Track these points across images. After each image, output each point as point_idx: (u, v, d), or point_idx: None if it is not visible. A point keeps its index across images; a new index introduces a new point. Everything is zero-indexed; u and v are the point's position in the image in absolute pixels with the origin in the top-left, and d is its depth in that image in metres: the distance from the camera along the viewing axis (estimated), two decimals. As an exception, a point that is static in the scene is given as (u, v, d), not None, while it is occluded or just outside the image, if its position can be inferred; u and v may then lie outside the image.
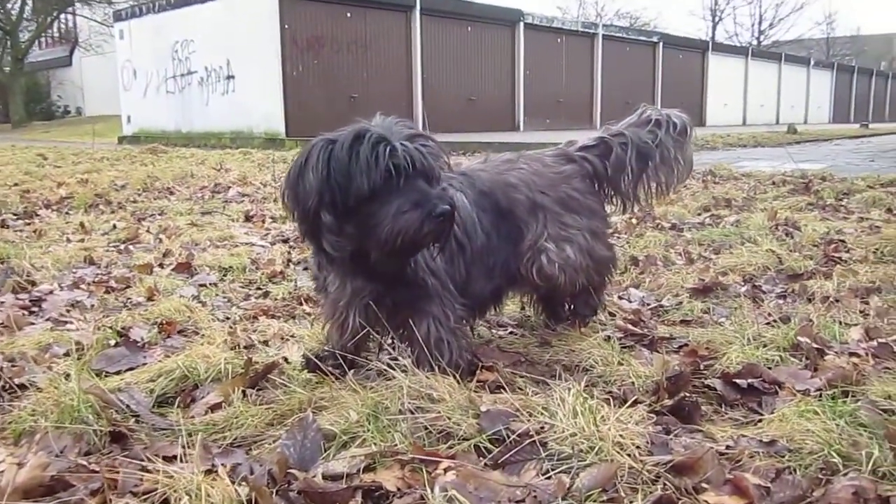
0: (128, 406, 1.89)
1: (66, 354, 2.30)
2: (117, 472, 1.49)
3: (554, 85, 23.73)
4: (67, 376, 1.99)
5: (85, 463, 1.58)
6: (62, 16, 33.03)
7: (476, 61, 21.28)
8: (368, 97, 17.43)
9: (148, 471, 1.47)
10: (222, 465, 1.56)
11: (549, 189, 2.37)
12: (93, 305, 2.99)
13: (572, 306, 2.59)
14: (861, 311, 2.72)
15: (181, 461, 1.57)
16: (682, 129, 2.59)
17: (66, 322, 2.73)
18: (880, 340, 2.33)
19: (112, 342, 2.41)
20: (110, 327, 2.58)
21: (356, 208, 1.82)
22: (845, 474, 1.51)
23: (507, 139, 14.68)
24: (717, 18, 54.67)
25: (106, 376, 2.14)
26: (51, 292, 3.15)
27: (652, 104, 2.67)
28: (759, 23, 54.99)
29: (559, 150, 2.55)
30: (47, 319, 2.77)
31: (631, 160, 2.51)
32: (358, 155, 1.80)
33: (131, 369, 2.20)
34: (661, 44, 27.95)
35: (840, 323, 2.56)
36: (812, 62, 39.10)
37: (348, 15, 17.79)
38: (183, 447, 1.62)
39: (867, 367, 2.13)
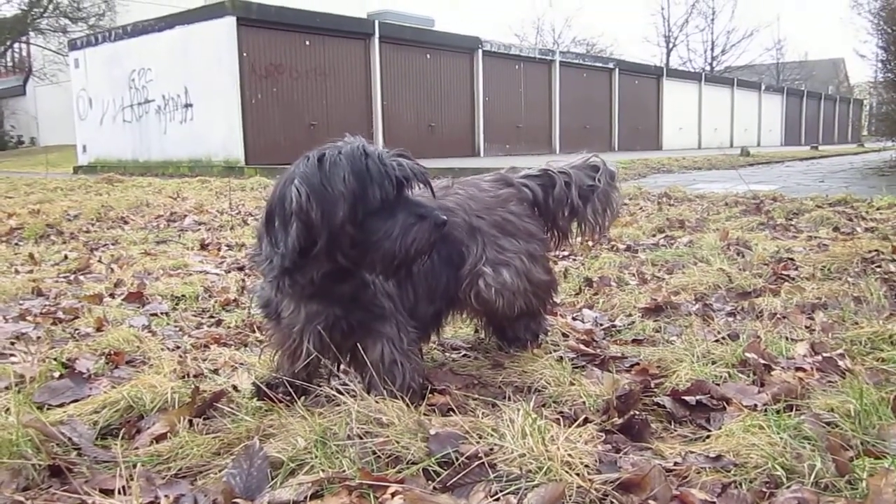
0: (69, 439, 1.84)
1: (7, 388, 2.23)
2: (54, 507, 1.45)
3: (513, 111, 24.00)
4: (7, 410, 1.94)
5: (22, 499, 1.54)
6: (15, 45, 32.56)
7: (436, 88, 21.44)
8: (328, 125, 17.44)
9: (86, 504, 1.44)
10: (165, 496, 1.53)
11: (485, 212, 2.38)
12: (39, 337, 2.91)
13: (513, 331, 2.58)
14: (807, 327, 2.78)
15: (122, 494, 1.53)
16: (615, 176, 2.71)
17: (9, 355, 2.66)
18: (825, 355, 2.38)
19: (56, 374, 2.35)
20: (55, 359, 2.51)
21: (362, 222, 1.84)
22: (788, 487, 1.53)
23: (468, 164, 14.78)
24: (670, 45, 55.87)
25: (48, 409, 2.09)
26: (-5, 325, 3.07)
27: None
28: (712, 49, 56.31)
29: (497, 175, 2.57)
30: (-10, 353, 2.70)
31: (573, 198, 2.58)
32: (368, 168, 1.82)
33: (76, 401, 2.14)
34: (617, 70, 28.47)
35: (787, 339, 2.61)
36: (763, 87, 40.13)
37: (307, 43, 17.81)
38: (125, 479, 1.58)
39: (812, 380, 2.17)
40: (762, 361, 2.31)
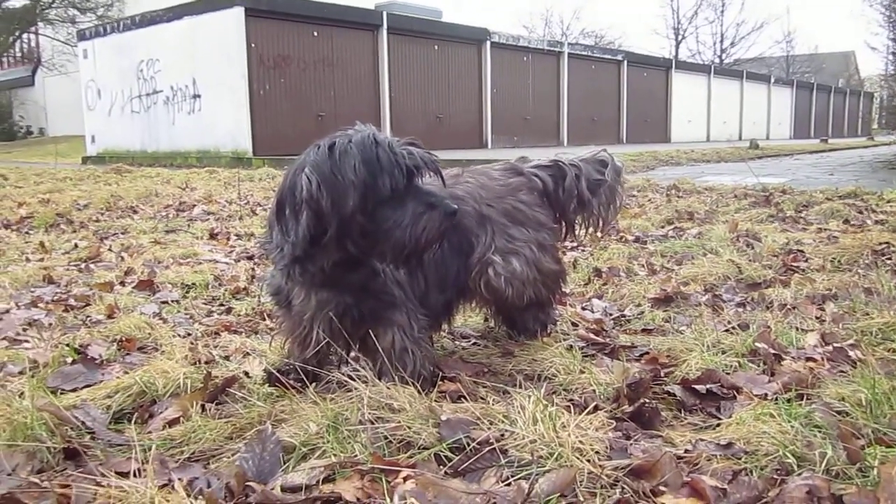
0: (83, 423, 1.86)
1: (21, 373, 2.25)
2: (70, 489, 1.47)
3: (521, 103, 23.95)
4: (21, 394, 1.95)
5: (37, 480, 1.55)
6: (24, 35, 32.62)
7: (443, 80, 21.42)
8: (336, 116, 17.44)
9: (101, 486, 1.45)
10: (179, 479, 1.54)
11: (495, 201, 2.37)
12: (51, 324, 2.93)
13: (523, 321, 2.57)
14: (817, 318, 2.77)
15: (136, 476, 1.54)
16: (622, 172, 2.72)
17: (22, 341, 2.68)
18: (835, 345, 2.38)
19: (69, 360, 2.37)
20: (67, 345, 2.53)
21: (372, 211, 1.84)
22: (799, 474, 1.53)
23: (476, 156, 14.77)
24: (679, 37, 55.60)
25: (62, 394, 2.10)
26: (7, 311, 3.09)
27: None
28: (721, 41, 56.02)
29: (507, 164, 2.56)
30: (3, 339, 2.71)
31: (582, 190, 2.57)
32: (379, 157, 1.82)
33: (88, 386, 2.16)
34: (625, 62, 28.36)
35: (797, 329, 2.60)
36: (773, 79, 39.95)
37: (315, 34, 17.82)
38: (139, 462, 1.59)
39: (822, 370, 2.17)
40: (772, 351, 2.30)
